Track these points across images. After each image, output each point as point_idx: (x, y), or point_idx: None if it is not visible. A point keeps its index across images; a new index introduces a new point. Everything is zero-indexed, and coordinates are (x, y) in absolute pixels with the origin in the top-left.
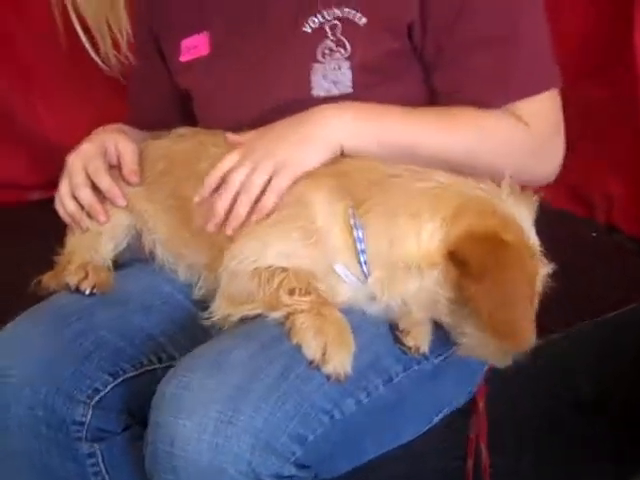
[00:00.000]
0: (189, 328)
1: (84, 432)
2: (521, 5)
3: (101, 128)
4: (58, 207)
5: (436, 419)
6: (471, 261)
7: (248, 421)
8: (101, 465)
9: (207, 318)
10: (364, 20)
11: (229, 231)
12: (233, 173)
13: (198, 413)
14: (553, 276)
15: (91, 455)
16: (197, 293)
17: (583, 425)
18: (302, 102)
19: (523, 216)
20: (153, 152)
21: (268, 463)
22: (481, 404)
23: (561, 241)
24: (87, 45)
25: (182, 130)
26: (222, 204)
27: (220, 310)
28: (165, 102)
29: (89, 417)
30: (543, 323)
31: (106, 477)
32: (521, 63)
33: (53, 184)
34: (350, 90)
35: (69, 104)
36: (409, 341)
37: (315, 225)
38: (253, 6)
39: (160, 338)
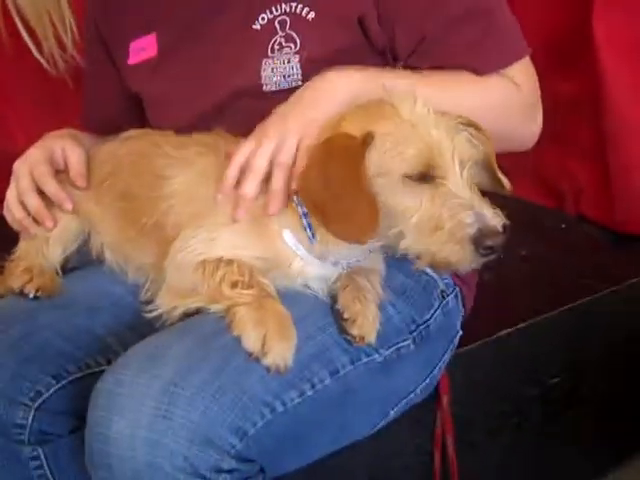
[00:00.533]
0: (138, 328)
1: (26, 435)
2: None
3: (51, 133)
4: (6, 213)
5: (392, 413)
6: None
7: (183, 415)
8: (45, 468)
9: (151, 311)
10: (312, 14)
11: (274, 209)
12: (256, 157)
13: (131, 409)
14: (522, 265)
15: (35, 458)
16: (145, 295)
17: (551, 419)
18: (253, 98)
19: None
20: (101, 155)
21: (206, 457)
22: (445, 398)
23: (530, 233)
24: (30, 45)
25: (130, 132)
26: (251, 187)
27: (164, 303)
28: (115, 104)
29: (30, 420)
30: (510, 312)
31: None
32: (504, 31)
33: None
34: (300, 83)
35: (36, 115)
36: (354, 330)
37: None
38: (202, 7)
39: (108, 339)
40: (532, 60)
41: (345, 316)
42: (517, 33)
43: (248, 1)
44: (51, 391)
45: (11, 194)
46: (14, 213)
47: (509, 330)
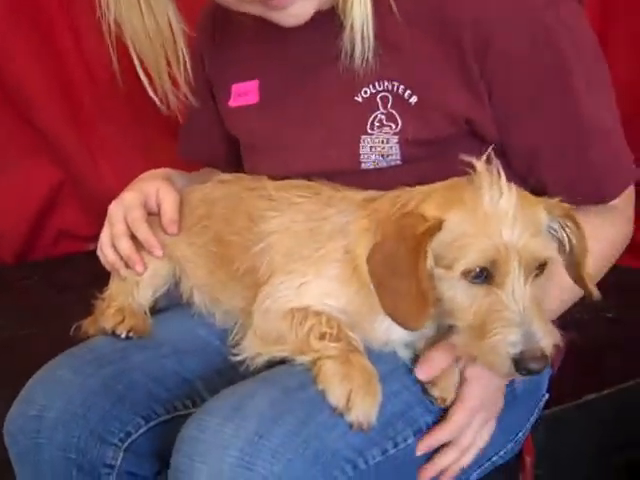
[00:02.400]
0: (225, 373)
1: (114, 476)
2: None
3: (147, 173)
4: (99, 254)
5: (475, 475)
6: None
7: (266, 467)
8: None
9: (236, 355)
10: (414, 99)
11: None
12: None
13: (214, 457)
14: (610, 328)
15: None
16: (233, 339)
17: None
18: (350, 174)
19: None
20: (194, 197)
21: None
22: (528, 460)
23: (619, 294)
24: (146, 83)
25: (224, 176)
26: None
27: (250, 348)
28: (214, 144)
29: (120, 460)
30: (597, 376)
31: None
32: (621, 156)
33: None
34: (399, 163)
35: (130, 158)
36: (435, 392)
37: (354, 260)
38: (308, 67)
39: (196, 382)
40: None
41: None
42: (628, 155)
43: (353, 72)
44: (140, 432)
45: (105, 236)
46: (107, 255)
47: (595, 395)
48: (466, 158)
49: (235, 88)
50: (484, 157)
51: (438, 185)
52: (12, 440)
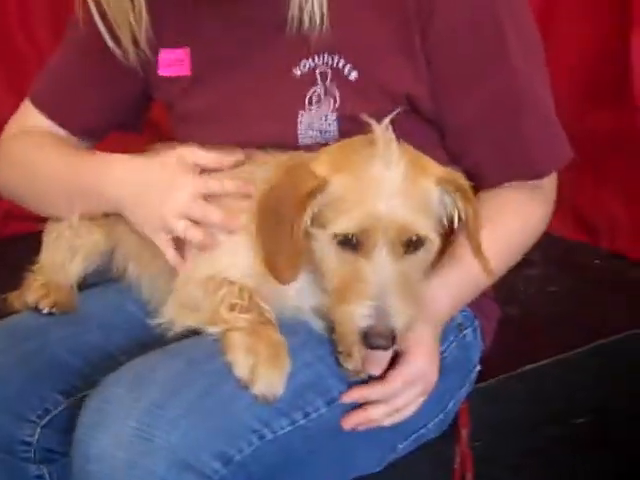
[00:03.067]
0: (151, 347)
1: (32, 453)
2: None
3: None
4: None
5: (400, 447)
6: None
7: (163, 437)
8: None
9: (155, 321)
10: (354, 75)
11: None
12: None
13: (114, 428)
14: (551, 301)
15: (40, 477)
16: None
17: (575, 460)
18: (287, 147)
19: None
20: None
21: None
22: (464, 432)
23: (564, 268)
24: (109, 41)
25: (158, 145)
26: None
27: (167, 314)
28: (86, 110)
29: (37, 437)
30: (536, 348)
31: None
32: (557, 135)
33: None
34: (337, 139)
35: None
36: (348, 363)
37: None
38: (243, 37)
39: (120, 357)
40: (570, 93)
41: (339, 349)
42: (562, 133)
43: (291, 43)
44: (60, 408)
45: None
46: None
47: (533, 366)
48: (366, 119)
49: (163, 54)
50: (385, 120)
51: (339, 143)
52: None
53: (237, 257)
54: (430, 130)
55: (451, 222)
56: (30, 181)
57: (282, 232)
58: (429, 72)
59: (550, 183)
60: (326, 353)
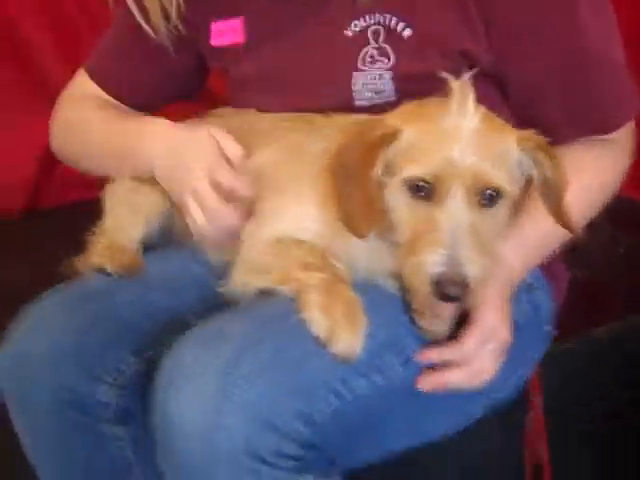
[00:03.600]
0: (220, 309)
1: (109, 413)
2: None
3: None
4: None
5: (475, 412)
6: None
7: (243, 395)
8: (127, 446)
9: (224, 286)
10: (408, 32)
11: None
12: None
13: (191, 388)
14: (619, 263)
15: (117, 438)
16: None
17: None
18: (345, 111)
19: None
20: None
21: (267, 440)
22: (536, 399)
23: (632, 230)
24: (137, 14)
25: (218, 110)
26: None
27: (237, 277)
28: (138, 83)
29: (113, 398)
30: (605, 311)
31: (132, 457)
32: (627, 85)
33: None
34: (393, 98)
35: None
36: (423, 323)
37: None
38: (294, 1)
39: (189, 317)
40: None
41: (414, 307)
42: (633, 85)
43: (342, 4)
44: (133, 369)
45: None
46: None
47: (603, 328)
48: (444, 75)
49: (216, 26)
50: (464, 77)
51: (415, 101)
52: (3, 378)
53: (305, 218)
54: (493, 88)
55: (528, 183)
56: (83, 142)
57: (355, 184)
58: (490, 27)
59: (625, 134)
60: (400, 312)
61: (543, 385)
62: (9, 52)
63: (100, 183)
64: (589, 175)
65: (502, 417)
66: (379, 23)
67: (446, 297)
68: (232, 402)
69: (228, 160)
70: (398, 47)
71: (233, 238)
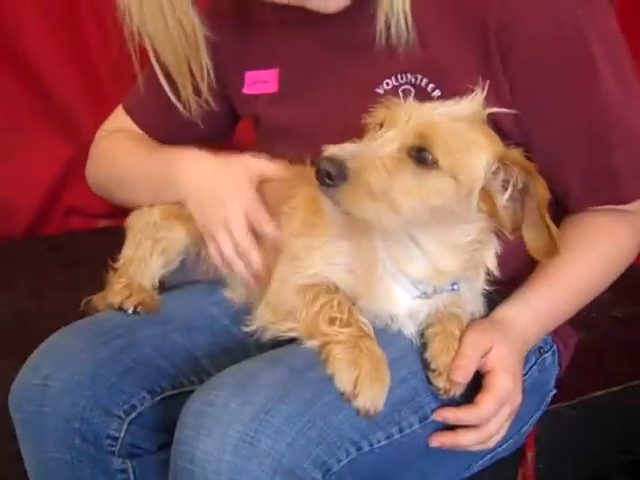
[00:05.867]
0: (233, 352)
1: (117, 447)
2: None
3: (190, 154)
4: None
5: (476, 466)
6: None
7: (270, 444)
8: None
9: (248, 324)
10: (437, 93)
11: None
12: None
13: (219, 431)
14: (617, 327)
15: (123, 471)
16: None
17: None
18: None
19: None
20: None
21: None
22: (529, 455)
23: (627, 294)
24: (169, 92)
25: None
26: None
27: (262, 317)
28: (171, 125)
29: (123, 432)
30: (604, 375)
31: None
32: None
33: (120, 212)
34: None
35: None
36: (439, 382)
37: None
38: (329, 57)
39: (203, 359)
40: None
41: (432, 367)
42: None
43: (375, 62)
44: (145, 405)
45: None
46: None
47: (601, 392)
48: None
49: (250, 75)
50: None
51: None
52: (16, 407)
53: (329, 263)
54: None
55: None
56: (116, 172)
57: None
58: (514, 96)
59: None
60: (419, 368)
61: (537, 441)
62: (32, 85)
63: (103, 213)
64: (601, 243)
65: (494, 470)
66: (410, 83)
67: (319, 175)
68: (259, 449)
69: (264, 195)
70: None
71: (258, 274)
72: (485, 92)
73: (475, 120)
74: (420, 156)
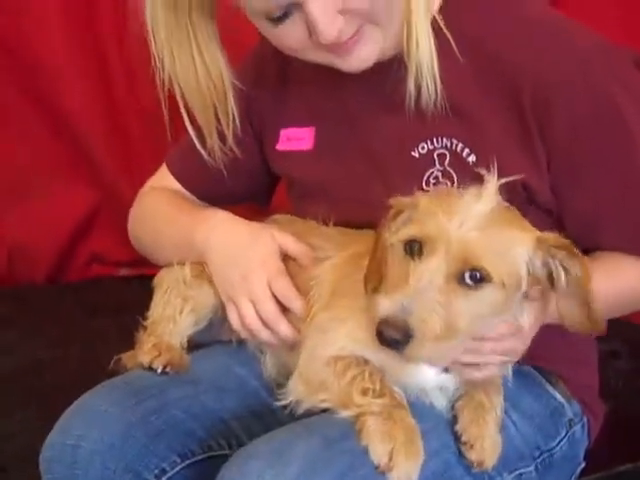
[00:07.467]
0: (262, 416)
1: None
2: None
3: (223, 216)
4: (241, 330)
5: None
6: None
7: None
8: None
9: (280, 399)
10: (472, 158)
11: None
12: None
13: None
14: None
15: None
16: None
17: None
18: None
19: None
20: None
21: None
22: None
23: None
24: (195, 138)
25: (277, 217)
26: None
27: (295, 392)
28: (213, 181)
29: None
30: (630, 447)
31: None
32: None
33: (141, 261)
34: None
35: None
36: (472, 455)
37: None
38: (365, 112)
39: (232, 422)
40: None
41: (463, 439)
42: None
43: (408, 124)
44: (175, 470)
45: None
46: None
47: (629, 466)
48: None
49: (285, 133)
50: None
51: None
52: (47, 467)
53: (354, 338)
54: (547, 218)
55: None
56: (153, 231)
57: (372, 251)
58: (551, 164)
59: None
60: (451, 440)
61: None
62: (58, 129)
63: (125, 261)
64: (628, 272)
65: None
66: (445, 147)
67: (384, 340)
68: None
69: (289, 265)
70: (462, 172)
71: (284, 342)
72: (520, 159)
73: (501, 211)
74: (470, 275)
